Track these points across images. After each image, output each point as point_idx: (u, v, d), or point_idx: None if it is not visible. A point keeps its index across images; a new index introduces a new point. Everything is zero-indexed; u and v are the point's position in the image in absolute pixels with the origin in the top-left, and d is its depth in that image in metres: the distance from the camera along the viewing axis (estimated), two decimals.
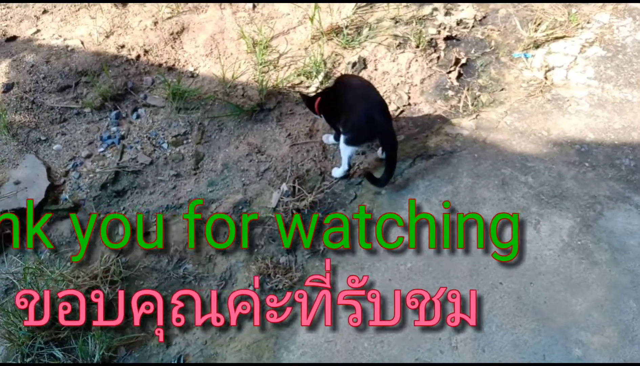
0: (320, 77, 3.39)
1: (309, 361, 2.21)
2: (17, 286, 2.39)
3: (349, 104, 2.71)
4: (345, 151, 2.79)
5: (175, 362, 2.26)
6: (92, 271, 2.44)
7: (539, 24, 3.70)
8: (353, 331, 2.28)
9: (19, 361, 2.19)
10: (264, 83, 3.28)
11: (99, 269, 2.44)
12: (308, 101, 2.97)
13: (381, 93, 3.40)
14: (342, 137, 2.76)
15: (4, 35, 3.46)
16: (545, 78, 3.48)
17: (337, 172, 2.93)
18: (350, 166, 2.90)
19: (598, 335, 2.25)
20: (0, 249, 2.51)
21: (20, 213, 2.67)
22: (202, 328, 2.37)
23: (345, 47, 3.58)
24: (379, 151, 2.98)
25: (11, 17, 3.61)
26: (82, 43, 3.36)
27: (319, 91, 3.01)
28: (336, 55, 3.55)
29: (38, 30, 3.51)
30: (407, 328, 2.28)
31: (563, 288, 2.40)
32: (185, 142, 3.11)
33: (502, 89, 3.45)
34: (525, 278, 2.44)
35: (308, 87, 3.37)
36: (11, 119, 3.00)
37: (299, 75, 3.41)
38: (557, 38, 3.66)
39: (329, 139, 3.08)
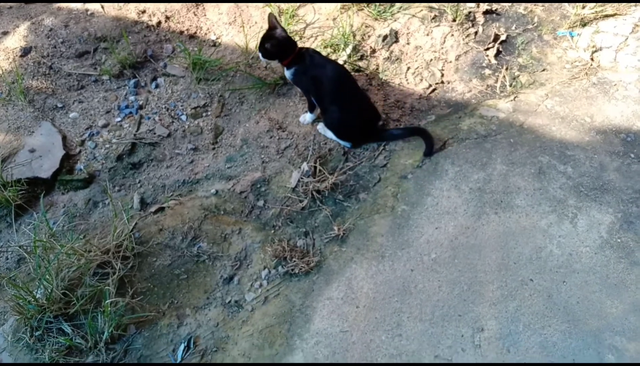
0: (349, 50, 3.20)
1: (322, 351, 2.10)
2: (27, 259, 2.33)
3: (341, 102, 2.72)
4: (326, 133, 2.86)
5: (185, 344, 2.18)
6: (104, 246, 2.37)
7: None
8: (371, 322, 2.17)
9: (28, 335, 2.14)
10: None
11: (111, 244, 2.36)
12: (280, 43, 2.64)
13: (412, 69, 3.23)
14: (324, 125, 2.85)
15: None
16: (592, 59, 3.23)
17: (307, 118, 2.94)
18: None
19: (635, 341, 2.08)
20: (12, 218, 2.46)
21: (34, 181, 2.61)
22: (214, 309, 2.29)
23: (376, 18, 3.38)
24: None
25: None
26: (102, 7, 3.23)
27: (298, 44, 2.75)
28: (366, 27, 3.35)
29: None
30: (428, 322, 2.16)
31: (598, 289, 2.23)
32: (204, 114, 2.99)
33: (543, 70, 3.22)
34: (558, 275, 2.27)
35: (336, 60, 3.19)
36: (28, 84, 2.91)
37: (325, 47, 3.23)
38: (606, 16, 3.38)
39: (306, 118, 2.93)
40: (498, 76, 3.21)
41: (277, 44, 2.63)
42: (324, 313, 2.22)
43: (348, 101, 2.74)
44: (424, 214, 2.50)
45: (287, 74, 2.74)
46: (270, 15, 2.65)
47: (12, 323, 2.23)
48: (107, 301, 2.14)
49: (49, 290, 2.17)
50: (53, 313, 2.17)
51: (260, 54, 2.70)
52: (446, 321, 2.15)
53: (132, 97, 3.00)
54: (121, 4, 3.25)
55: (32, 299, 2.15)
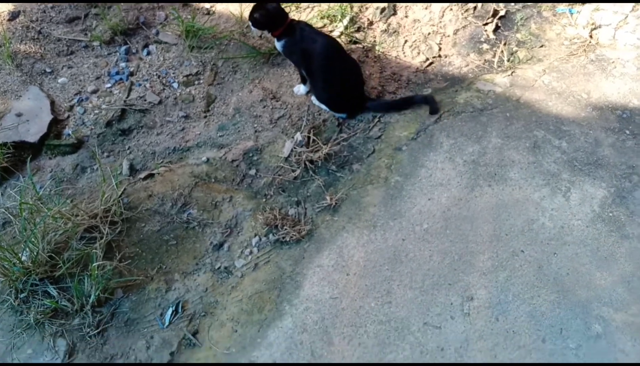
0: (345, 21, 3.15)
1: (312, 317, 2.09)
2: (13, 221, 2.29)
3: (331, 76, 2.69)
4: (320, 104, 2.83)
5: (173, 308, 2.16)
6: (92, 210, 2.33)
7: None
8: (361, 290, 2.15)
9: (13, 297, 2.11)
10: None
11: (99, 209, 2.33)
12: (269, 14, 2.58)
13: (410, 43, 3.19)
14: (316, 97, 2.83)
15: None
16: (590, 37, 3.19)
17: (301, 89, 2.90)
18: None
19: (621, 312, 2.08)
20: None
21: (21, 145, 2.56)
22: (203, 274, 2.26)
23: None
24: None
25: None
26: None
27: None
28: None
29: None
30: (418, 290, 2.14)
31: (588, 261, 2.22)
32: (196, 82, 2.94)
33: (541, 46, 3.18)
34: (549, 247, 2.26)
35: (331, 32, 3.15)
36: (16, 48, 2.85)
37: (322, 18, 3.18)
38: None
39: (300, 89, 2.90)
40: (496, 51, 3.17)
41: (266, 14, 2.58)
42: (314, 280, 2.20)
43: (338, 75, 2.70)
44: (417, 186, 2.48)
45: (278, 45, 2.70)
46: None
47: None
48: (94, 264, 2.11)
49: (35, 253, 2.14)
50: (39, 275, 2.14)
51: (250, 24, 2.65)
52: (436, 289, 2.14)
53: (122, 64, 2.94)
54: None
55: (18, 262, 2.12)
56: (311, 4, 3.26)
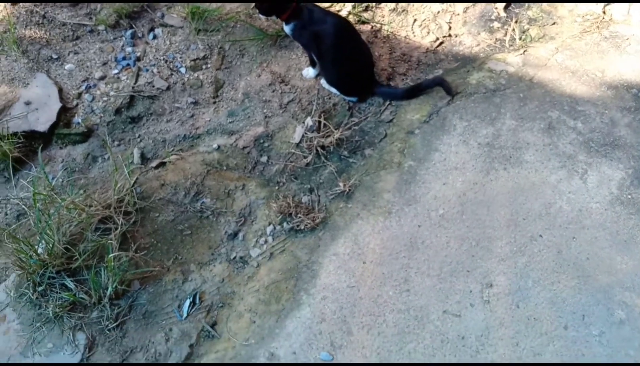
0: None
1: (330, 306, 2.09)
2: (27, 213, 2.28)
3: (342, 58, 2.63)
4: (330, 88, 2.78)
5: (190, 299, 2.16)
6: (105, 201, 2.31)
7: None
8: (378, 278, 2.14)
9: (31, 290, 2.11)
10: None
11: (112, 199, 2.30)
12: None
13: (419, 22, 3.12)
14: (326, 80, 2.77)
15: None
16: (604, 13, 3.13)
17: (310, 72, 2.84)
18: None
19: None
20: (10, 172, 2.38)
21: (31, 135, 2.53)
22: (219, 265, 2.26)
23: None
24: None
25: None
26: None
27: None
28: None
29: None
30: (436, 278, 2.13)
31: (608, 245, 2.21)
32: (204, 67, 2.88)
33: (553, 23, 3.12)
34: (568, 231, 2.24)
35: (339, 11, 3.07)
36: (21, 34, 2.78)
37: None
38: None
39: (309, 72, 2.83)
40: (507, 29, 3.11)
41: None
42: (331, 268, 2.19)
43: (349, 57, 2.65)
44: (432, 170, 2.46)
45: (287, 29, 2.63)
46: None
47: (13, 278, 2.19)
48: (110, 256, 2.09)
49: (51, 245, 2.12)
50: (55, 268, 2.13)
51: (256, 10, 2.58)
52: (454, 276, 2.13)
53: (129, 49, 2.88)
54: None
55: (34, 254, 2.10)
56: None
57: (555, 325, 2.01)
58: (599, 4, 3.13)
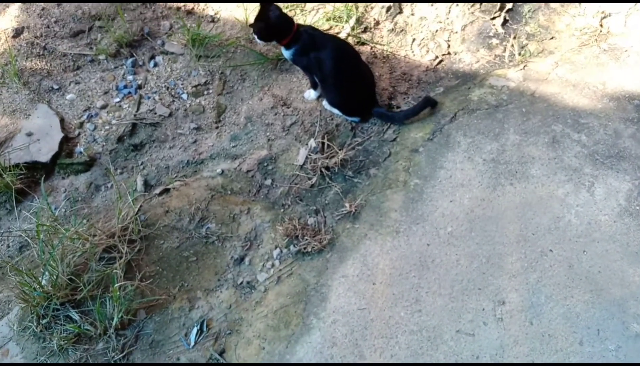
0: (352, 22, 3.10)
1: (340, 330, 2.05)
2: (30, 244, 2.25)
3: (344, 80, 2.63)
4: (332, 109, 2.78)
5: (198, 327, 2.12)
6: (109, 229, 2.29)
7: None
8: (389, 299, 2.11)
9: (35, 323, 2.07)
10: None
11: (116, 228, 2.28)
12: (272, 25, 2.50)
13: (418, 41, 3.14)
14: (328, 102, 2.77)
15: None
16: (601, 26, 3.14)
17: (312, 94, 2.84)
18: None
19: None
20: (12, 204, 2.37)
21: (33, 165, 2.52)
22: (226, 291, 2.22)
23: None
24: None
25: None
26: None
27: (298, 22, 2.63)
28: None
29: None
30: (448, 297, 2.10)
31: (619, 257, 2.18)
32: (206, 92, 2.89)
33: (552, 38, 3.13)
34: (578, 245, 2.22)
35: (338, 33, 3.10)
36: (22, 66, 2.80)
37: (328, 19, 3.13)
38: None
39: (311, 94, 2.83)
40: (506, 45, 3.12)
41: (267, 26, 2.51)
42: (340, 291, 2.16)
43: (350, 78, 2.65)
44: (438, 188, 2.44)
45: (287, 54, 2.63)
46: None
47: (17, 311, 2.16)
48: (115, 285, 2.06)
49: (55, 276, 2.09)
50: (59, 299, 2.10)
51: (255, 36, 2.59)
52: (466, 295, 2.10)
53: (130, 77, 2.89)
54: None
55: (38, 286, 2.07)
56: (316, 6, 3.21)
57: (571, 341, 1.97)
58: (595, 17, 3.15)
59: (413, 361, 1.94)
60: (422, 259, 2.21)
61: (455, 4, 3.22)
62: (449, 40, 3.16)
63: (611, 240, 2.23)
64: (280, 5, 2.54)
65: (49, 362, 2.02)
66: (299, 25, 2.59)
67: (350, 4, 3.12)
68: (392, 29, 3.17)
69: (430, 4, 3.22)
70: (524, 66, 2.96)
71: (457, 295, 2.10)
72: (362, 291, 2.14)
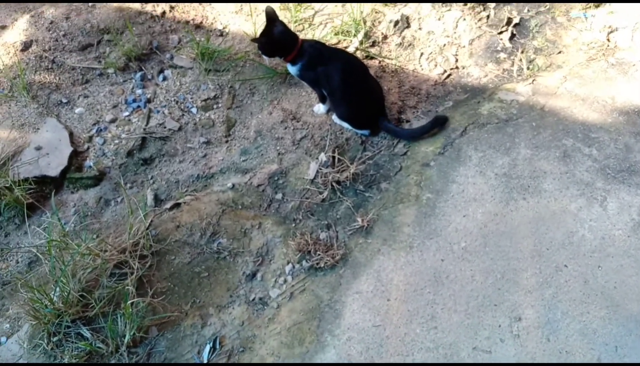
0: (360, 36, 3.11)
1: (356, 347, 2.02)
2: (40, 260, 2.22)
3: (352, 93, 2.62)
4: (342, 123, 2.77)
5: (210, 345, 2.09)
6: (120, 245, 2.27)
7: None
8: (404, 316, 2.09)
9: (46, 341, 2.04)
10: None
11: (127, 243, 2.26)
12: (276, 41, 2.51)
13: (426, 55, 3.15)
14: (337, 116, 2.76)
15: None
16: (608, 40, 3.16)
17: (321, 108, 2.83)
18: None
19: None
20: (21, 219, 2.34)
21: (42, 180, 2.50)
22: (238, 307, 2.20)
23: (386, 4, 3.29)
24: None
25: None
26: None
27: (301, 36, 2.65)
28: (376, 12, 3.26)
29: None
30: (463, 313, 2.08)
31: (635, 272, 2.16)
32: (215, 106, 2.88)
33: (559, 52, 3.14)
34: (593, 260, 2.20)
35: (346, 47, 3.10)
36: (30, 79, 2.79)
37: (336, 34, 3.13)
38: None
39: (320, 108, 2.83)
40: (514, 59, 3.13)
41: (269, 41, 2.52)
42: (354, 307, 2.14)
43: (359, 92, 2.65)
44: (450, 202, 2.43)
45: (293, 70, 2.63)
46: (268, 9, 2.51)
47: (27, 329, 2.13)
48: (127, 302, 2.04)
49: (66, 293, 2.07)
50: (71, 317, 2.07)
51: (260, 52, 2.59)
52: (482, 311, 2.08)
53: (139, 91, 2.88)
54: None
55: (49, 303, 2.04)
56: (324, 20, 3.22)
57: (589, 358, 1.95)
58: (602, 32, 3.17)
59: None
60: (437, 275, 2.19)
61: (462, 18, 3.24)
62: (456, 55, 3.16)
63: (625, 255, 2.22)
64: (290, 14, 2.54)
65: (48, 362, 1.99)
66: (303, 40, 2.59)
67: (358, 18, 3.13)
68: (400, 43, 3.18)
69: (437, 17, 3.24)
70: (533, 80, 2.96)
71: (473, 311, 2.08)
72: (376, 307, 2.12)
